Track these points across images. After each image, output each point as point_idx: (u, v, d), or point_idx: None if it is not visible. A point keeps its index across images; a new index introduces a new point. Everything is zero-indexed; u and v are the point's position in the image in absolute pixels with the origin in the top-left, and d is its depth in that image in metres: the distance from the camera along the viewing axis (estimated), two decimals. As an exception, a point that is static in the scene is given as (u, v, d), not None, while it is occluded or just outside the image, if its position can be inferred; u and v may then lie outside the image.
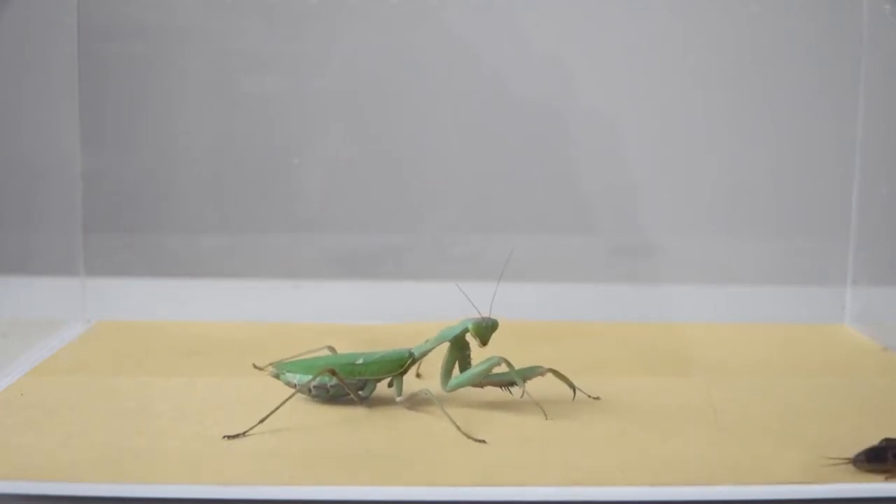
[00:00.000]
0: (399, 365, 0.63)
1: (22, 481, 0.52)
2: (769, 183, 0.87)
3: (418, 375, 0.68)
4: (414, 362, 0.63)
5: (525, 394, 0.61)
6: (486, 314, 0.62)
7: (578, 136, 0.87)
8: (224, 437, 0.57)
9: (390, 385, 0.64)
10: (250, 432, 0.58)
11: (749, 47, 0.85)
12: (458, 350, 0.62)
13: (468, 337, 0.62)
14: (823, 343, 0.80)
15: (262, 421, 0.59)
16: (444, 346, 0.63)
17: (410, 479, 0.53)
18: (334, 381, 0.61)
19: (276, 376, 0.63)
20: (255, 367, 0.70)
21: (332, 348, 0.67)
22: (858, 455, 0.54)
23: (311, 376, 0.62)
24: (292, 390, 0.62)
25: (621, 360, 0.74)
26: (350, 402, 0.63)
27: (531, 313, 0.82)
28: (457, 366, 0.63)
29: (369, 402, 0.63)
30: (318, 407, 0.63)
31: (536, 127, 0.87)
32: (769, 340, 0.80)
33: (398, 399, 0.63)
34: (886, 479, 0.53)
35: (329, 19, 0.85)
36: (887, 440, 0.55)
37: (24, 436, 0.58)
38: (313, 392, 0.62)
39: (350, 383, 0.62)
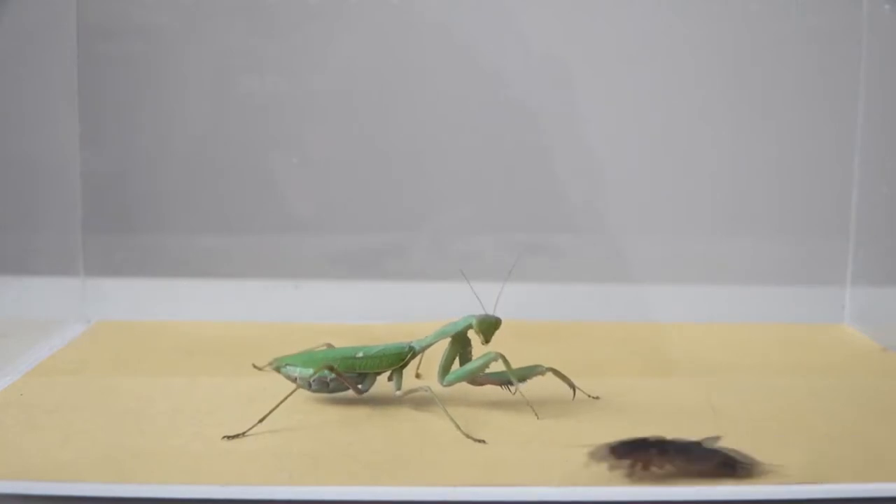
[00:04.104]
0: (399, 358, 0.63)
1: (22, 481, 0.52)
2: (769, 183, 0.87)
3: (418, 375, 0.68)
4: (414, 356, 0.63)
5: (518, 392, 0.61)
6: (490, 312, 0.62)
7: (578, 136, 0.87)
8: (223, 437, 0.57)
9: (390, 379, 0.64)
10: (250, 432, 0.58)
11: (749, 47, 0.85)
12: (460, 346, 0.63)
13: (470, 334, 0.62)
14: (823, 343, 0.80)
15: (261, 420, 0.59)
16: (445, 343, 0.63)
17: (410, 479, 0.53)
18: (334, 375, 0.62)
19: (277, 369, 0.63)
20: (255, 367, 0.70)
21: (330, 346, 0.67)
22: (600, 448, 0.53)
23: (311, 370, 0.62)
24: (291, 388, 0.62)
25: (621, 360, 0.74)
26: (351, 399, 0.63)
27: (531, 313, 0.82)
28: (456, 362, 0.63)
29: (369, 398, 0.63)
30: (319, 406, 0.63)
31: (535, 127, 0.87)
32: (769, 340, 0.80)
33: (397, 393, 0.63)
34: (628, 475, 0.52)
35: (328, 20, 0.84)
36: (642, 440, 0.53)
37: (24, 436, 0.58)
38: (313, 386, 0.62)
39: (349, 377, 0.62)
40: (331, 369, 0.61)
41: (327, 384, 0.62)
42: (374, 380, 0.63)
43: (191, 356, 0.74)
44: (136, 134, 0.87)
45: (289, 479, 0.53)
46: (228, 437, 0.57)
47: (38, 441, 0.57)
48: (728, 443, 0.57)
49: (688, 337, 0.80)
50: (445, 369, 0.63)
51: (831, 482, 0.53)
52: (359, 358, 0.63)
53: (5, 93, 0.77)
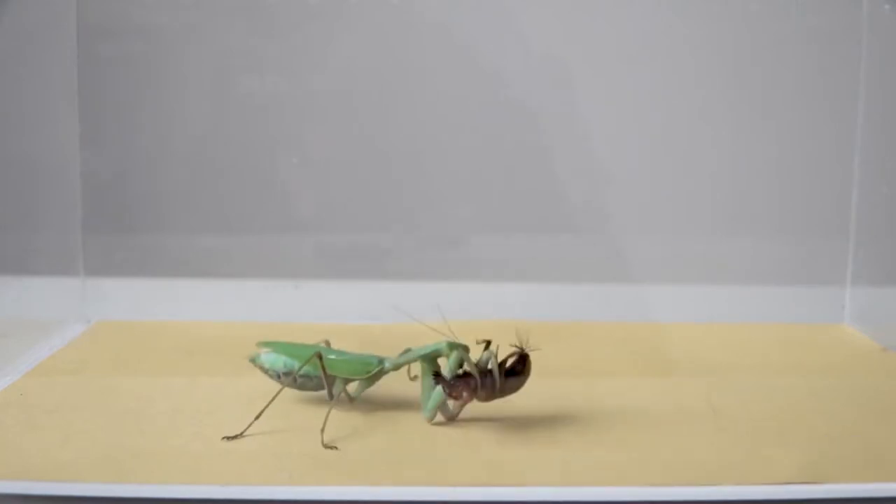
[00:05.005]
0: (365, 370, 0.62)
1: (22, 481, 0.52)
2: (769, 183, 0.87)
3: (414, 378, 0.68)
4: (382, 373, 0.63)
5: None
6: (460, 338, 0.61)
7: (578, 136, 0.87)
8: (223, 438, 0.57)
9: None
10: (247, 432, 0.58)
11: (749, 47, 0.85)
12: (433, 371, 0.62)
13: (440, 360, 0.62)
14: (823, 343, 0.80)
15: (257, 418, 0.59)
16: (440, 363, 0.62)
17: (410, 479, 0.53)
18: (308, 369, 0.61)
19: (252, 360, 0.64)
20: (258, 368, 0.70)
21: (327, 342, 0.66)
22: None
23: (283, 358, 0.62)
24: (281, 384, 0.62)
25: (620, 360, 0.74)
26: (326, 400, 0.63)
27: (531, 313, 0.82)
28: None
29: (367, 399, 0.63)
30: (318, 407, 0.63)
31: (535, 127, 0.87)
32: (769, 340, 0.80)
33: (350, 401, 0.62)
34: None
35: (328, 20, 0.84)
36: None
37: (24, 436, 0.58)
38: (281, 378, 0.62)
39: (318, 376, 0.61)
40: (319, 358, 0.61)
41: (295, 379, 0.62)
42: (344, 386, 0.63)
43: (191, 356, 0.74)
44: (136, 134, 0.86)
45: (289, 479, 0.53)
46: (228, 438, 0.57)
47: (38, 441, 0.57)
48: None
49: (688, 337, 0.80)
50: (424, 402, 0.62)
51: (831, 482, 0.53)
52: (331, 359, 0.62)
53: (5, 93, 0.77)
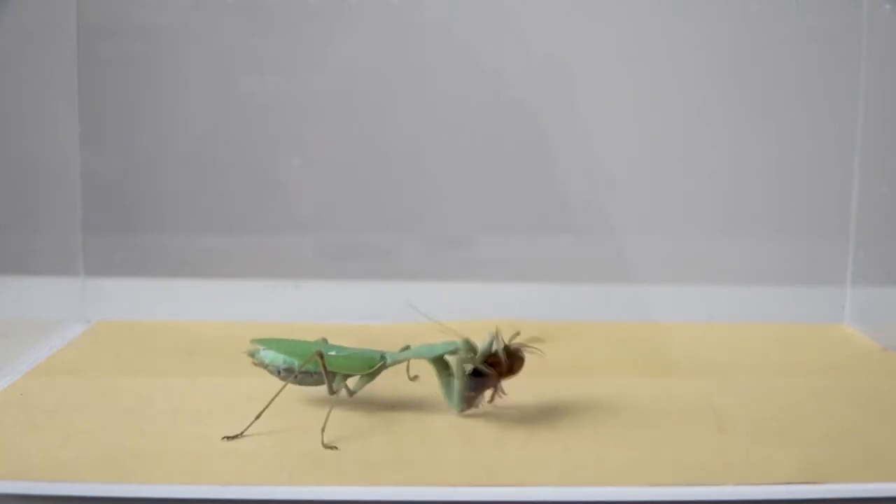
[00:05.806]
0: (367, 365, 0.62)
1: (22, 481, 0.52)
2: (769, 183, 0.87)
3: (413, 378, 0.68)
4: (384, 367, 0.63)
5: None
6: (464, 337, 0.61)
7: (578, 136, 0.87)
8: (223, 438, 0.57)
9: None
10: (247, 432, 0.58)
11: (749, 47, 0.85)
12: (444, 371, 0.62)
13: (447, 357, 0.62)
14: (823, 343, 0.80)
15: (257, 418, 0.59)
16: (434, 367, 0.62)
17: (410, 479, 0.53)
18: (308, 366, 0.61)
19: (252, 354, 0.64)
20: (255, 364, 0.70)
21: (324, 340, 0.66)
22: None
23: (282, 356, 0.62)
24: (281, 384, 0.62)
25: (621, 360, 0.74)
26: (350, 399, 0.63)
27: (531, 313, 0.82)
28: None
29: (368, 398, 0.63)
30: (318, 407, 0.63)
31: (535, 127, 0.87)
32: (769, 340, 0.80)
33: (350, 395, 0.62)
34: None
35: (328, 20, 0.85)
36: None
37: (24, 436, 0.58)
38: (281, 374, 0.62)
39: (318, 372, 0.61)
40: (320, 356, 0.61)
41: (295, 375, 0.62)
42: (344, 381, 0.63)
43: (191, 356, 0.74)
44: (136, 134, 0.86)
45: (289, 479, 0.53)
46: (228, 438, 0.57)
47: (38, 441, 0.57)
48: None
49: (688, 337, 0.80)
50: (450, 398, 0.62)
51: (831, 482, 0.53)
52: (331, 356, 0.62)
53: (5, 93, 0.77)
